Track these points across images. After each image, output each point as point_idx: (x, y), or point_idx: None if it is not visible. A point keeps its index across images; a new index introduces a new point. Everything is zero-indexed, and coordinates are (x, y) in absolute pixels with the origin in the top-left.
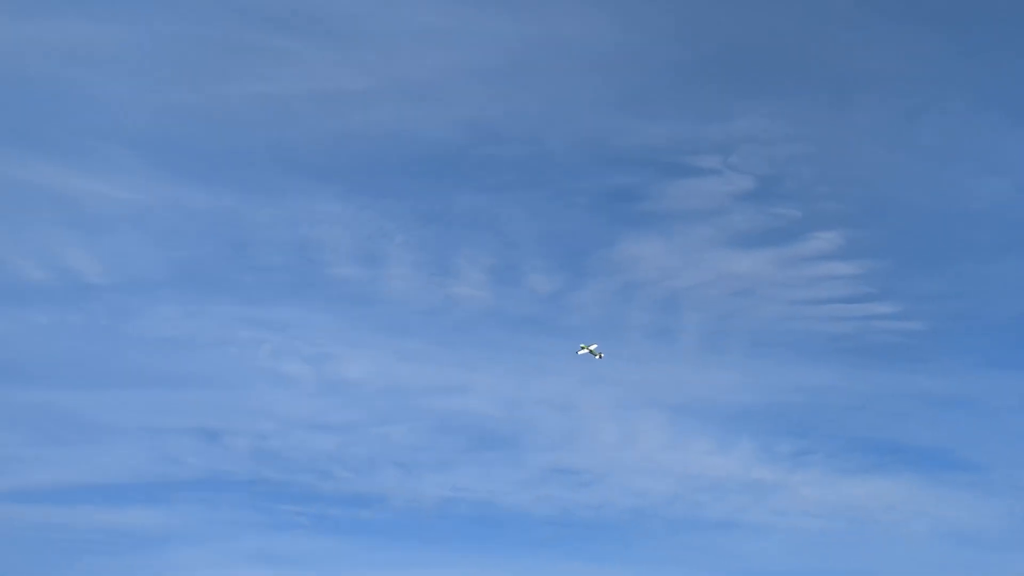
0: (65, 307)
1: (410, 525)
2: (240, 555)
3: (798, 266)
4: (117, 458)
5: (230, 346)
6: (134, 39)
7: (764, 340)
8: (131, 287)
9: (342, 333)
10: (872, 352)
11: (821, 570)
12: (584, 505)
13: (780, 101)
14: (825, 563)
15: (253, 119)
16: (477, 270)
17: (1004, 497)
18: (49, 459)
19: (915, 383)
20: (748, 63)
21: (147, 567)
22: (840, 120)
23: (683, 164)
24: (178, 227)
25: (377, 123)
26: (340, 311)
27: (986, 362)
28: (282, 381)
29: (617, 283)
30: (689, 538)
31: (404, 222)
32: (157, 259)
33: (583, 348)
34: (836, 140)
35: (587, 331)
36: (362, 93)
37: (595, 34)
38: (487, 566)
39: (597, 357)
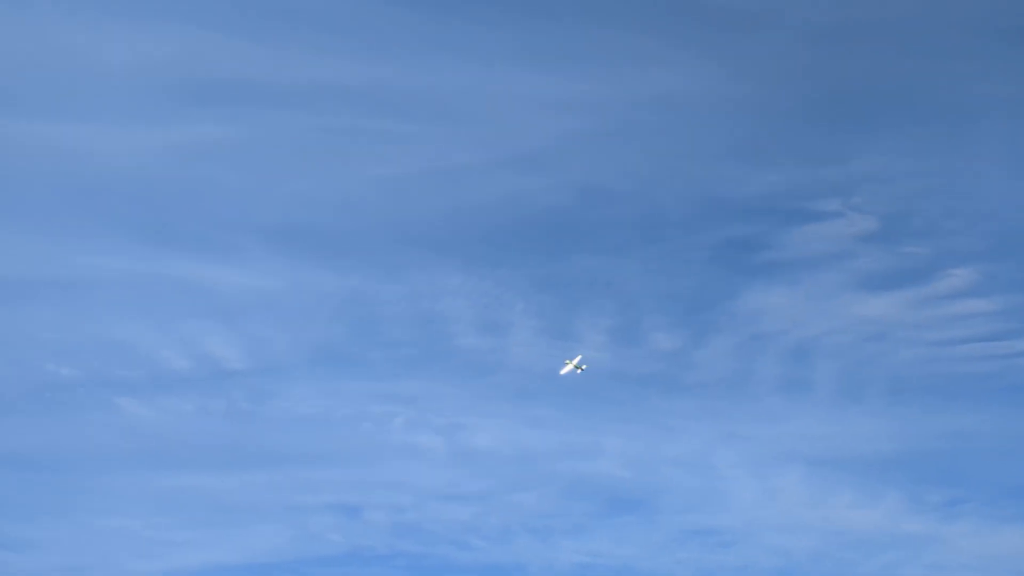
0: (207, 393)
1: None
2: None
3: (933, 306)
4: (262, 537)
5: (364, 421)
6: (256, 134)
7: (903, 385)
8: (268, 370)
9: (470, 403)
10: (1020, 391)
11: None
12: (726, 567)
13: (898, 136)
14: None
15: (373, 200)
16: (598, 332)
17: None
18: (198, 541)
19: None
20: (861, 101)
21: None
22: (963, 150)
23: (803, 209)
24: (308, 309)
25: (491, 194)
26: (467, 381)
27: None
28: (415, 453)
29: (743, 336)
30: None
31: (523, 290)
32: (290, 341)
33: (568, 364)
34: (961, 171)
35: (714, 387)
36: (475, 166)
37: (701, 86)
38: None
39: (578, 371)
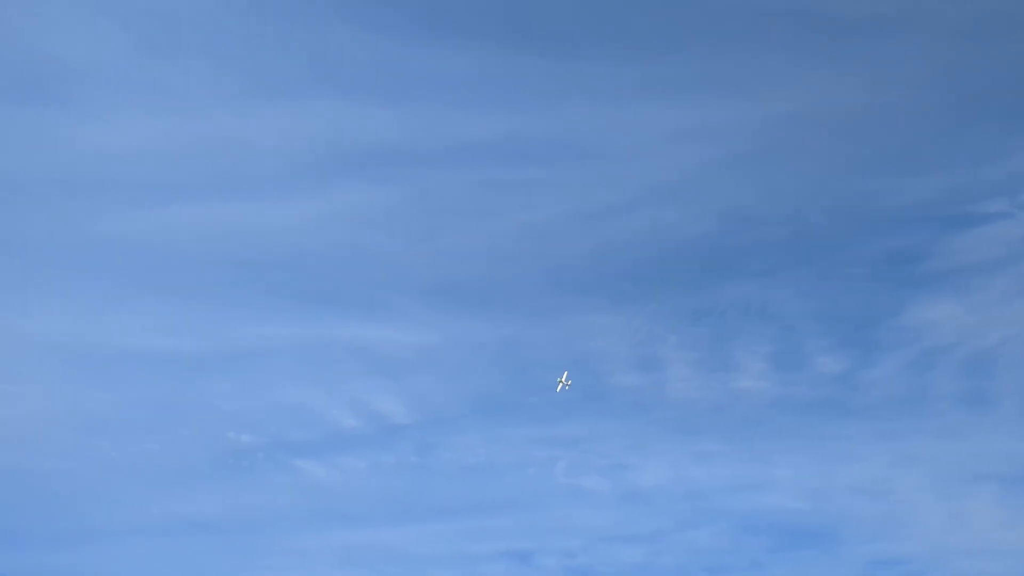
0: (378, 449)
1: None
2: None
3: None
4: None
5: (528, 467)
6: (403, 196)
7: None
8: (432, 423)
9: (633, 442)
10: None
11: None
12: None
13: None
14: None
15: (519, 248)
16: (757, 360)
17: None
18: None
19: None
20: (1015, 93)
21: None
22: None
23: (965, 213)
24: (466, 360)
25: (633, 229)
26: (627, 420)
27: None
28: (581, 496)
29: (913, 352)
30: None
31: (674, 323)
32: (451, 393)
33: (560, 382)
34: None
35: (887, 407)
36: (615, 204)
37: (840, 99)
38: None
39: (567, 386)
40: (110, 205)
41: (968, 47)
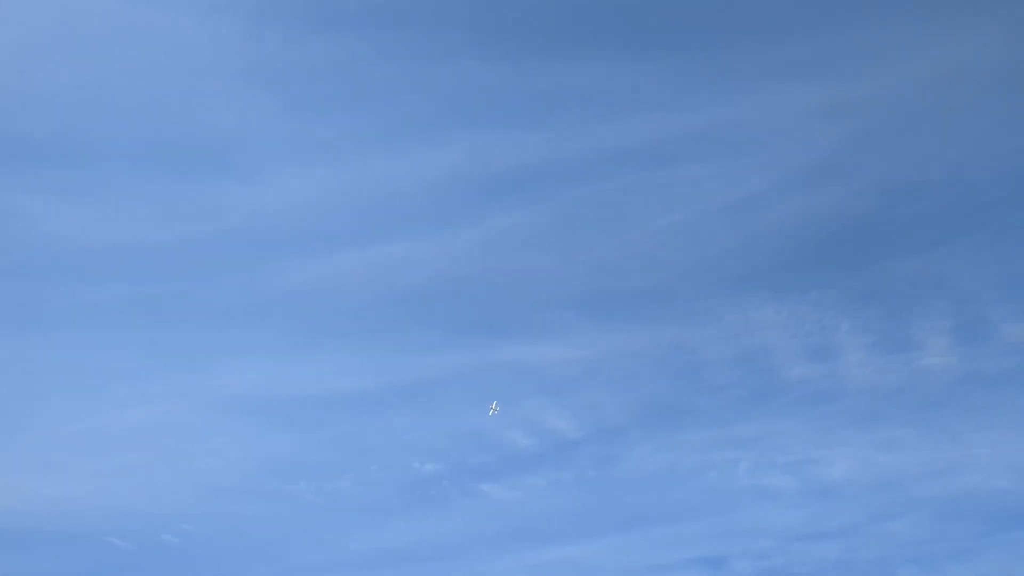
0: (555, 467)
1: None
2: None
3: None
4: None
5: (709, 471)
6: (550, 213)
7: None
8: (605, 435)
9: (815, 435)
10: None
11: None
12: None
13: None
14: None
15: (671, 250)
16: (938, 335)
17: None
18: None
19: None
20: None
21: None
22: None
23: None
24: (631, 369)
25: (787, 214)
26: (806, 413)
27: None
28: (768, 495)
29: None
30: None
31: (844, 307)
32: (621, 404)
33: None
34: None
35: None
36: (764, 191)
37: (995, 54)
38: None
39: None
40: (278, 259)
41: None
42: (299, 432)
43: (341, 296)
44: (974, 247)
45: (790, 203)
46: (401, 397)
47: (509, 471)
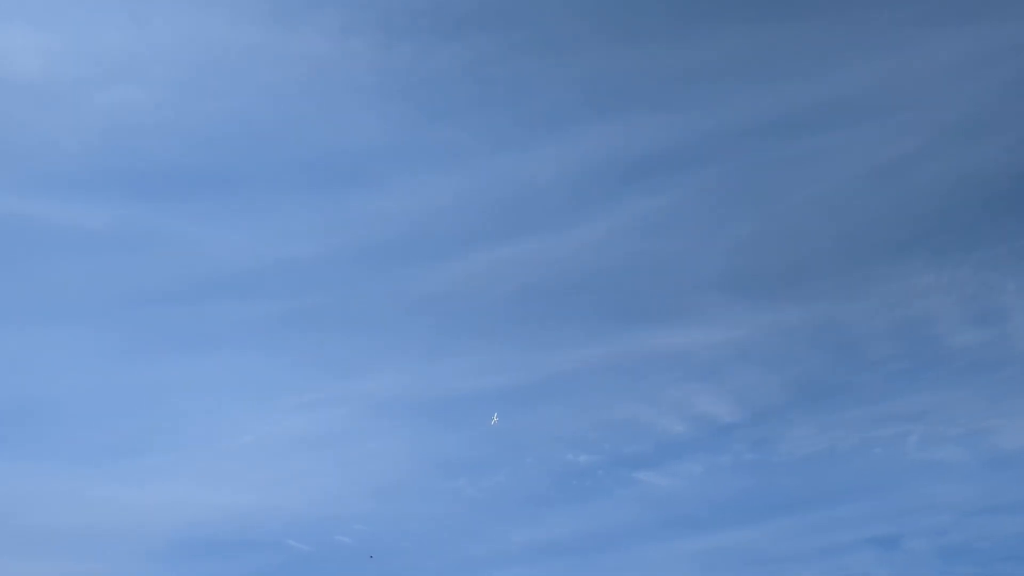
0: (712, 451)
1: None
2: None
3: None
4: None
5: (874, 447)
6: (687, 196)
7: None
8: (762, 417)
9: (985, 405)
10: None
11: None
12: None
13: None
14: None
15: (814, 222)
16: None
17: None
18: None
19: None
20: None
21: None
22: None
23: None
24: (783, 347)
25: (939, 173)
26: (974, 382)
27: None
28: (940, 470)
29: None
30: None
31: (1011, 267)
32: (775, 384)
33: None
34: None
35: None
36: (914, 151)
37: None
38: None
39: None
40: (420, 263)
41: None
42: (454, 430)
43: (483, 294)
44: None
45: (944, 161)
46: (550, 390)
47: (664, 458)
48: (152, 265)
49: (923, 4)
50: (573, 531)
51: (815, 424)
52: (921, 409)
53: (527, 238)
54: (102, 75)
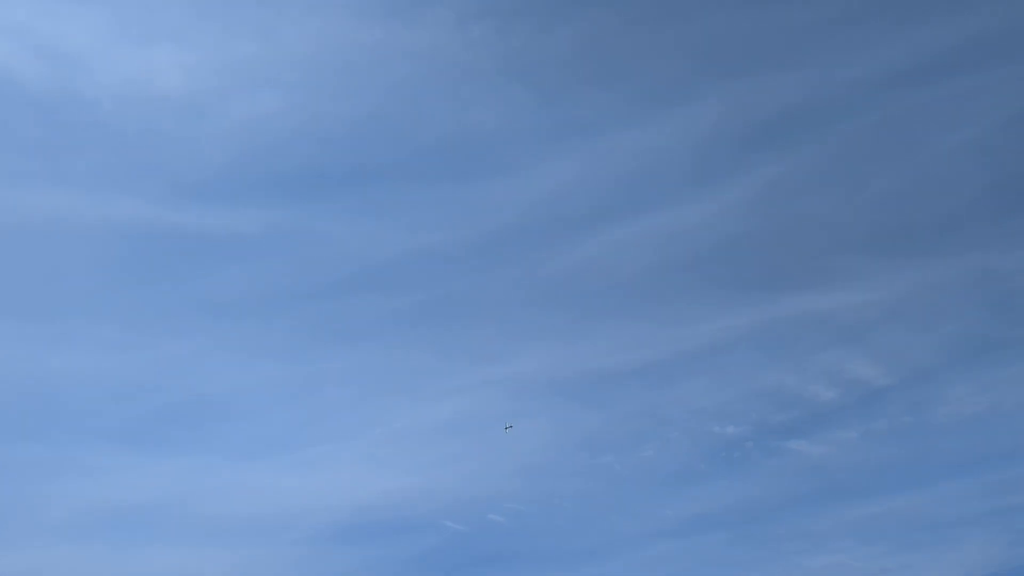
0: (865, 417)
1: None
2: None
3: None
4: (975, 548)
5: None
6: (820, 155)
7: None
8: (915, 379)
9: None
10: None
11: None
12: None
13: None
14: None
15: (961, 169)
16: None
17: None
18: (913, 564)
19: None
20: None
21: None
22: None
23: None
24: (934, 306)
25: None
26: None
27: None
28: None
29: None
30: None
31: None
32: (927, 344)
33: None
34: None
35: None
36: None
37: None
38: None
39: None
40: (552, 245)
41: None
42: (597, 408)
43: (617, 271)
44: None
45: None
46: (692, 363)
47: (815, 426)
48: (299, 264)
49: None
50: (725, 504)
51: (975, 383)
52: None
53: (657, 211)
54: (237, 85)
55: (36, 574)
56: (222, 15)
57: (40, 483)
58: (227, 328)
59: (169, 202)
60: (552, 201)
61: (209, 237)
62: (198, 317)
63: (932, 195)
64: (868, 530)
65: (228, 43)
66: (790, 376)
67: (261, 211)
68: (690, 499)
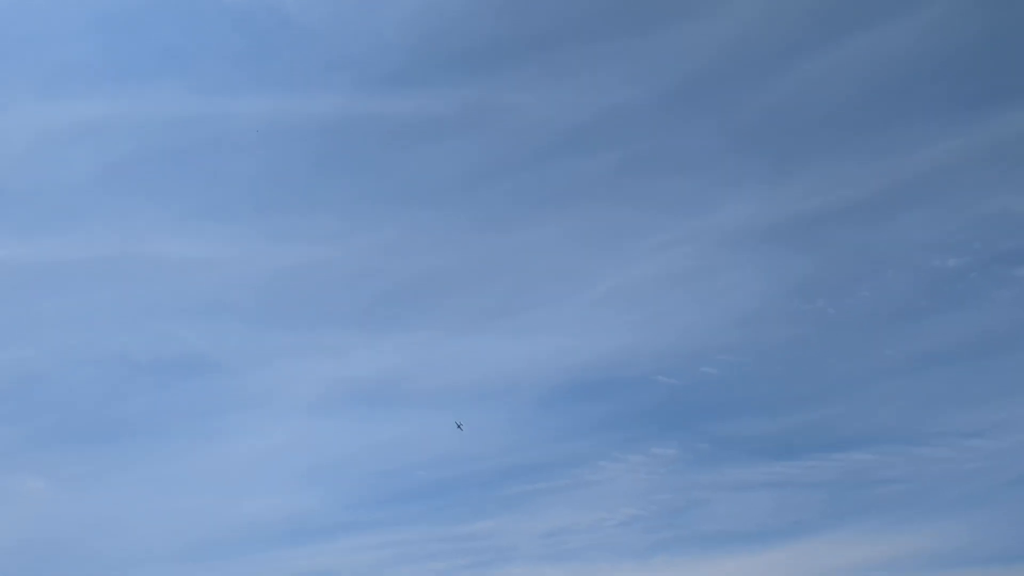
0: None
1: None
2: None
3: None
4: None
5: None
6: None
7: None
8: None
9: None
10: None
11: None
12: None
13: None
14: None
15: None
16: None
17: None
18: None
19: None
20: None
21: None
22: None
23: None
24: None
25: None
26: None
27: None
28: None
29: None
30: None
31: None
32: None
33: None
34: None
35: None
36: None
37: None
38: None
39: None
40: (741, 85)
41: None
42: (806, 252)
43: (814, 106)
44: None
45: None
46: (906, 195)
47: None
48: (494, 138)
49: None
50: (950, 340)
51: None
52: None
53: (855, 34)
54: None
55: (295, 445)
56: None
57: (291, 364)
58: (432, 209)
59: (357, 91)
60: (739, 41)
61: (405, 122)
62: (403, 202)
63: None
64: None
65: None
66: (1018, 198)
67: (451, 90)
68: (912, 337)
